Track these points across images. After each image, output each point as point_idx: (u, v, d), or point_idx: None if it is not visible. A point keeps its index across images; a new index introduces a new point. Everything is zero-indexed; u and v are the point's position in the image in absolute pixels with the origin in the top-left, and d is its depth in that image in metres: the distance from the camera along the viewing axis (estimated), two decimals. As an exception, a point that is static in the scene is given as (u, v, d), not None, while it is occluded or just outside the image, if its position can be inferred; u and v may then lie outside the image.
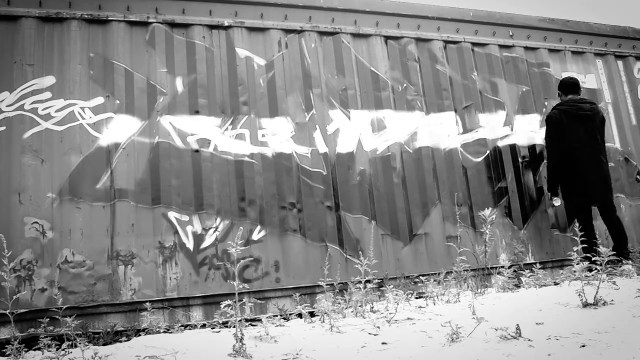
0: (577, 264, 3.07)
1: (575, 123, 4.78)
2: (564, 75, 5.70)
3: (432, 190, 4.79)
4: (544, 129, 5.46)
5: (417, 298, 3.96)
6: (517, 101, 5.41)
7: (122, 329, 3.63)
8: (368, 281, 3.24)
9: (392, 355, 2.21)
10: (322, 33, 4.80)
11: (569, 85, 5.02)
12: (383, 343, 2.41)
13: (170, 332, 3.26)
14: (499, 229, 4.94)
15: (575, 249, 3.11)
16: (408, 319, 2.88)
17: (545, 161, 5.32)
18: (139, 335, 3.14)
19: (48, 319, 2.98)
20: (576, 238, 3.18)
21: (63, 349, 2.40)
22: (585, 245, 3.91)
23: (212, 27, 4.47)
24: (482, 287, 3.88)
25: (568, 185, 4.85)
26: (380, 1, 5.11)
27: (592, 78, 5.85)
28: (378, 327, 2.68)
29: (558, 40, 5.81)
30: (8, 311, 2.60)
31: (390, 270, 4.41)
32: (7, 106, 3.80)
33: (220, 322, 3.37)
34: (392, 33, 5.04)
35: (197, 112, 4.25)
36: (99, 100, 4.03)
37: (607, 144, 5.37)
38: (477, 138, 5.12)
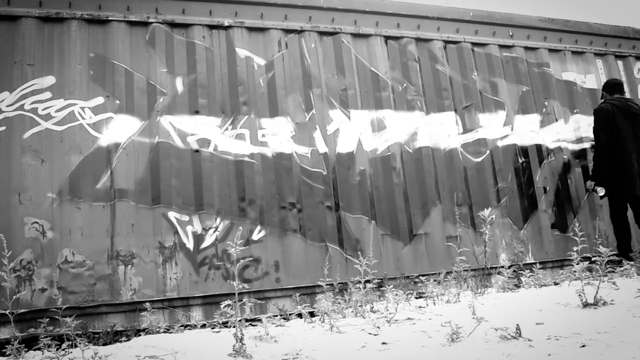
0: (577, 264, 3.07)
1: (623, 119, 4.91)
2: (564, 75, 5.72)
3: (432, 190, 4.79)
4: (544, 129, 5.47)
5: (417, 298, 3.96)
6: (517, 101, 5.41)
7: (122, 329, 3.63)
8: (368, 281, 3.23)
9: (392, 355, 2.21)
10: (322, 33, 4.80)
11: (615, 85, 5.21)
12: (383, 343, 2.41)
13: (170, 332, 3.26)
14: (499, 229, 4.94)
15: (575, 248, 3.10)
16: (408, 319, 2.88)
17: (545, 161, 5.33)
18: (139, 335, 3.14)
19: (48, 319, 2.98)
20: (576, 238, 3.18)
21: (63, 349, 2.40)
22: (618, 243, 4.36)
23: (212, 27, 4.47)
24: (482, 287, 3.87)
25: (611, 178, 4.91)
26: (380, 1, 5.11)
27: (592, 78, 5.85)
28: (378, 327, 2.68)
29: (558, 40, 5.81)
30: (8, 311, 2.60)
31: (390, 270, 4.41)
32: (7, 106, 3.80)
33: (220, 322, 3.37)
34: (392, 33, 5.04)
35: (197, 112, 4.25)
36: (99, 100, 4.03)
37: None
38: (477, 138, 5.12)
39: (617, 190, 4.89)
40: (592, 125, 5.11)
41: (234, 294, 2.56)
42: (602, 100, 5.23)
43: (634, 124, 4.95)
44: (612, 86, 5.20)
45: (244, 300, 3.92)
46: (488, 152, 5.13)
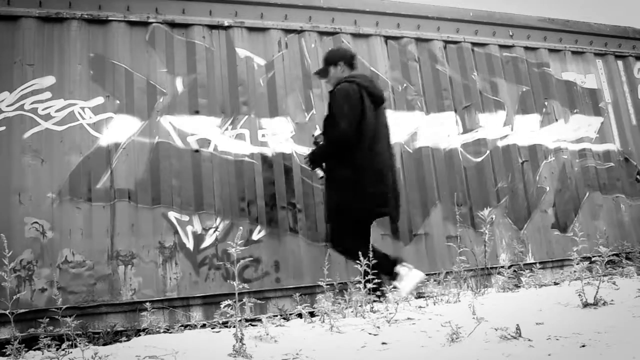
0: (577, 264, 3.07)
1: (373, 107, 3.55)
2: (564, 75, 5.71)
3: (432, 190, 4.79)
4: (544, 129, 5.46)
5: (417, 298, 3.95)
6: (517, 101, 5.41)
7: (122, 329, 3.63)
8: (368, 281, 3.23)
9: (392, 355, 2.21)
10: (322, 33, 4.80)
11: (353, 56, 3.80)
12: (383, 343, 2.41)
13: (170, 332, 3.26)
14: (499, 229, 4.94)
15: (575, 248, 3.10)
16: (408, 319, 2.87)
17: (545, 161, 5.33)
18: (139, 335, 3.13)
19: (48, 319, 2.97)
20: (576, 238, 3.18)
21: (63, 349, 2.40)
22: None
23: (212, 27, 4.46)
24: (482, 287, 3.87)
25: (354, 186, 3.52)
26: (380, 1, 5.11)
27: (592, 78, 5.85)
28: (378, 327, 2.67)
29: (558, 40, 5.81)
30: (8, 311, 2.59)
31: (390, 270, 4.40)
32: (7, 106, 3.80)
33: (220, 322, 3.36)
34: (392, 33, 5.04)
35: (197, 112, 4.25)
36: (99, 100, 4.03)
37: (606, 144, 5.42)
38: (477, 138, 5.12)
39: (361, 205, 3.54)
40: (334, 108, 3.51)
41: (234, 294, 2.55)
42: (343, 76, 3.66)
43: (383, 114, 3.67)
44: (353, 56, 3.77)
45: (244, 300, 3.92)
46: (488, 152, 5.13)
